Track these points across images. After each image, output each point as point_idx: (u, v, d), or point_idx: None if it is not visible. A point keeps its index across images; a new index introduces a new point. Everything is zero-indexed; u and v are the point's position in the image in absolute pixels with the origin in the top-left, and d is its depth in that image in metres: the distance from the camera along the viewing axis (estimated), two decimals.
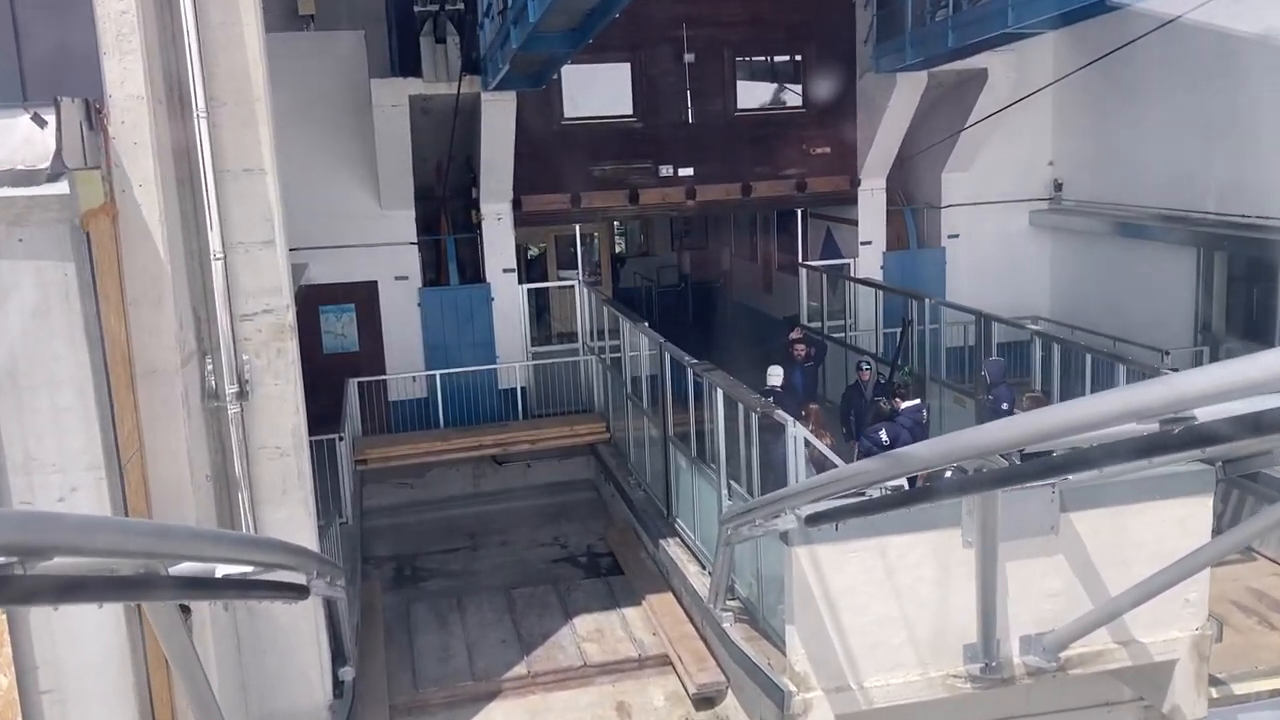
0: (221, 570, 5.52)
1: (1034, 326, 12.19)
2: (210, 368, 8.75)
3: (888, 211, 18.98)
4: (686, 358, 11.73)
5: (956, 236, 19.03)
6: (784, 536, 8.93)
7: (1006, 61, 16.93)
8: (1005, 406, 12.24)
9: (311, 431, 14.61)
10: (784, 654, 9.60)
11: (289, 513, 9.29)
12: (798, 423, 9.13)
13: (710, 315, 23.87)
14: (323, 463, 13.34)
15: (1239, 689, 10.67)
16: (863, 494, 7.61)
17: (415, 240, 17.45)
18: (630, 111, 17.66)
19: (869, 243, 18.80)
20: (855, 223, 18.80)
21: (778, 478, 10.83)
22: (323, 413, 15.96)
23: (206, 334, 8.75)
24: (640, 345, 13.91)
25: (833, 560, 9.10)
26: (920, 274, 18.46)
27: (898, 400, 12.83)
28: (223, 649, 8.70)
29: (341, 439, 14.03)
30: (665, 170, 17.70)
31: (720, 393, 10.52)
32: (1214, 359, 15.11)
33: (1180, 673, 9.89)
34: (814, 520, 7.87)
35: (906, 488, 7.27)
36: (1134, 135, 16.98)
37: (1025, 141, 18.84)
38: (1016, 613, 9.32)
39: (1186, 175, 15.81)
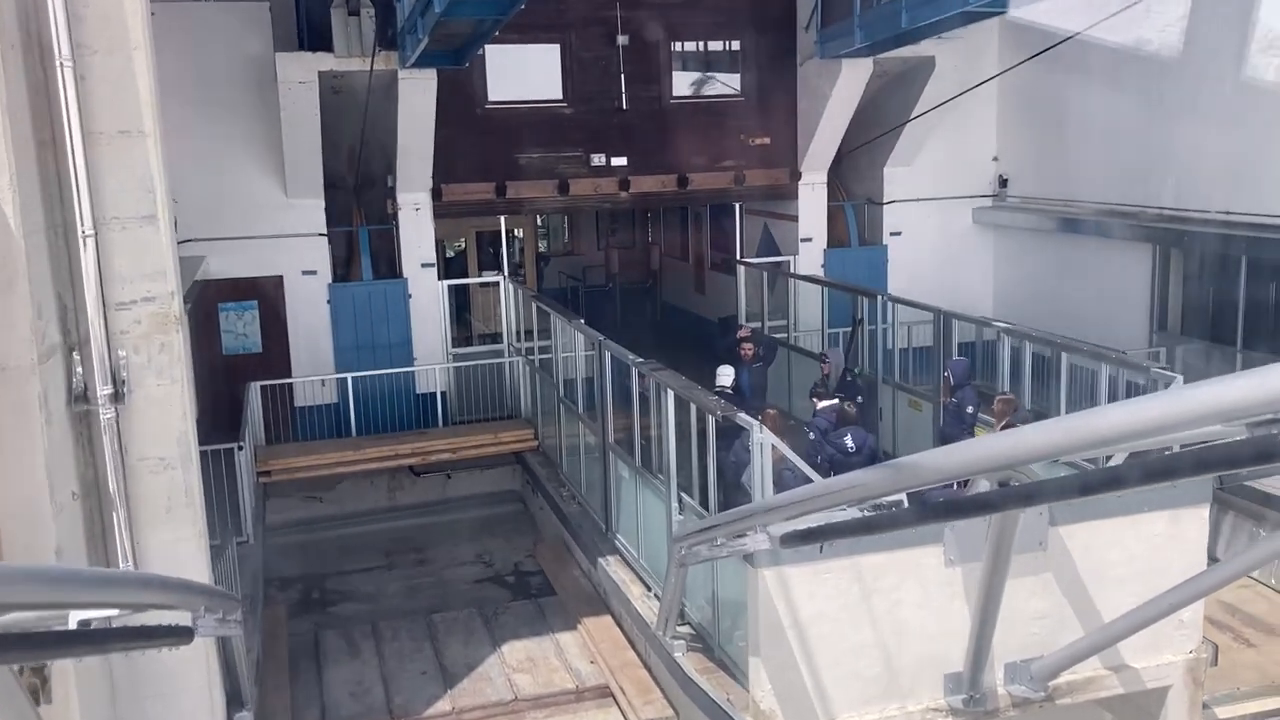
0: (76, 617, 4.29)
1: (1002, 324, 11.37)
2: (78, 365, 7.37)
3: (828, 207, 18.12)
4: (630, 356, 10.63)
5: (899, 234, 18.28)
6: (749, 557, 7.90)
7: (954, 50, 16.21)
8: (971, 410, 11.40)
9: (207, 440, 13.32)
10: (746, 689, 8.58)
11: (175, 534, 7.94)
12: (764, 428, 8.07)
13: (640, 317, 22.81)
14: (220, 475, 12.05)
15: (1222, 713, 9.94)
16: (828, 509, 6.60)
17: (325, 232, 16.10)
18: (560, 96, 16.54)
19: (809, 239, 17.92)
20: (795, 218, 17.92)
21: (729, 489, 9.84)
22: (222, 419, 14.73)
23: (74, 325, 7.37)
24: (575, 344, 12.77)
25: (803, 583, 8.10)
26: (861, 272, 17.65)
27: (816, 400, 11.95)
28: (90, 698, 7.32)
29: (241, 448, 12.65)
30: (597, 160, 16.60)
31: (671, 394, 9.44)
32: (1170, 360, 14.52)
33: (1174, 700, 9.11)
34: (791, 540, 6.82)
35: (905, 503, 6.26)
36: (1083, 130, 16.38)
37: (969, 137, 18.20)
38: (1001, 638, 8.37)
39: (1140, 170, 15.24)
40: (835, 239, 18.28)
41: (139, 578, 5.74)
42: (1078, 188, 16.64)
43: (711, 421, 8.84)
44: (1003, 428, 10.92)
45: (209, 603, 6.84)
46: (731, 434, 9.78)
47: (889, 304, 13.74)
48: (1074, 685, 8.76)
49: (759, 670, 8.20)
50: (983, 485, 6.35)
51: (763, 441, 8.03)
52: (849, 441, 10.24)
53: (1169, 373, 9.08)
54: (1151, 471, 4.42)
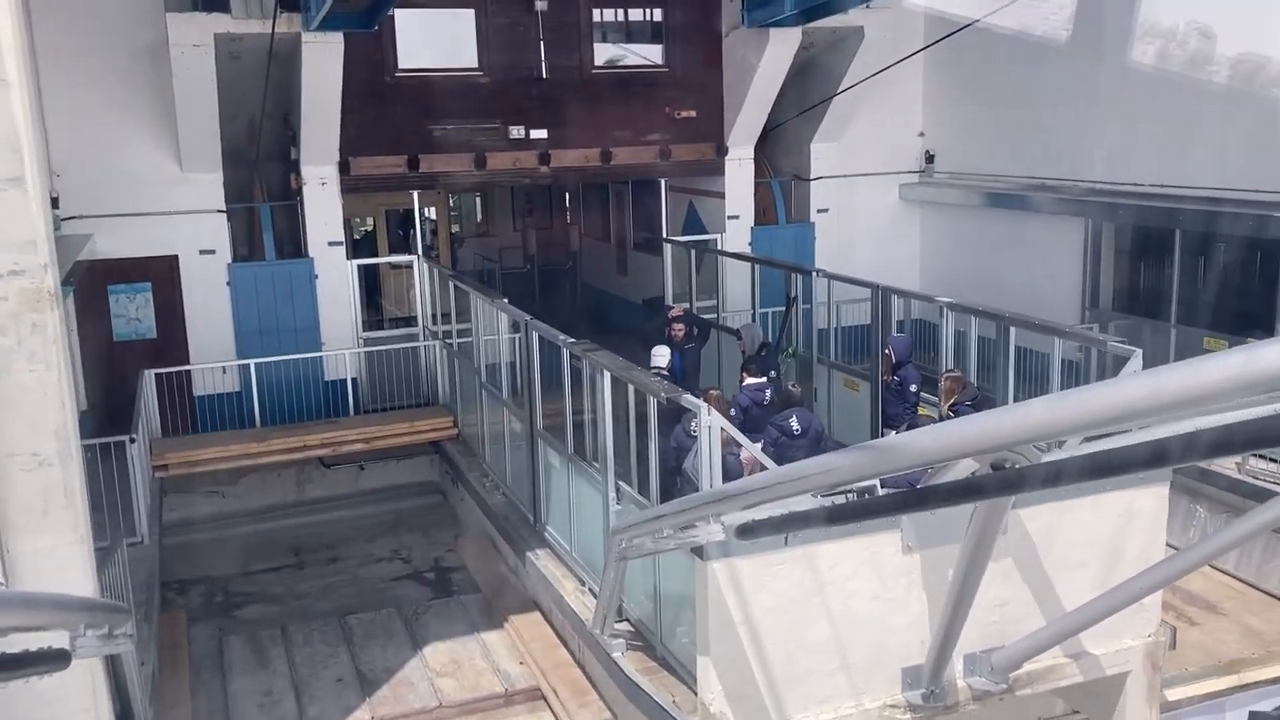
0: None
1: (945, 299, 10.93)
2: None
3: (754, 184, 17.59)
4: (561, 336, 9.93)
5: (826, 211, 17.85)
6: (698, 549, 7.29)
7: (883, 20, 15.78)
8: (914, 389, 10.96)
9: (97, 432, 12.36)
10: (692, 690, 7.99)
11: (52, 540, 7.01)
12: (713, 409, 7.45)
13: (560, 299, 22.06)
14: (109, 471, 11.08)
15: (1173, 695, 9.66)
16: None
17: (224, 208, 15.01)
18: (475, 64, 15.65)
19: (736, 217, 17.35)
20: (721, 195, 17.33)
21: (667, 476, 9.23)
22: (113, 411, 13.70)
23: None
24: (498, 326, 12.02)
25: (755, 576, 7.52)
26: (788, 250, 17.17)
27: (744, 374, 11.45)
28: None
29: (134, 441, 11.60)
30: (516, 132, 15.77)
31: (608, 376, 8.77)
32: None
33: (1132, 686, 8.77)
34: (750, 531, 6.22)
35: (879, 489, 5.70)
36: (1012, 103, 16.12)
37: (895, 112, 17.85)
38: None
39: (1072, 143, 15.01)
40: (762, 217, 17.77)
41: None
42: (1006, 162, 16.38)
43: (653, 404, 8.21)
44: (950, 407, 10.51)
45: (91, 619, 6.00)
46: (669, 418, 9.18)
47: (825, 281, 13.20)
48: (1034, 675, 8.35)
49: (708, 670, 7.61)
50: (962, 468, 5.84)
51: (711, 424, 7.41)
52: (794, 423, 9.69)
53: (1127, 347, 8.69)
54: (1184, 449, 3.88)
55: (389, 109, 15.26)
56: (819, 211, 17.84)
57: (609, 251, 21.36)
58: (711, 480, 7.51)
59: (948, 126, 17.74)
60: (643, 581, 8.82)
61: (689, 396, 7.79)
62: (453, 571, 13.11)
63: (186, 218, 14.73)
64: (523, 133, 15.80)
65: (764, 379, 11.45)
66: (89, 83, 13.89)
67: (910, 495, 4.81)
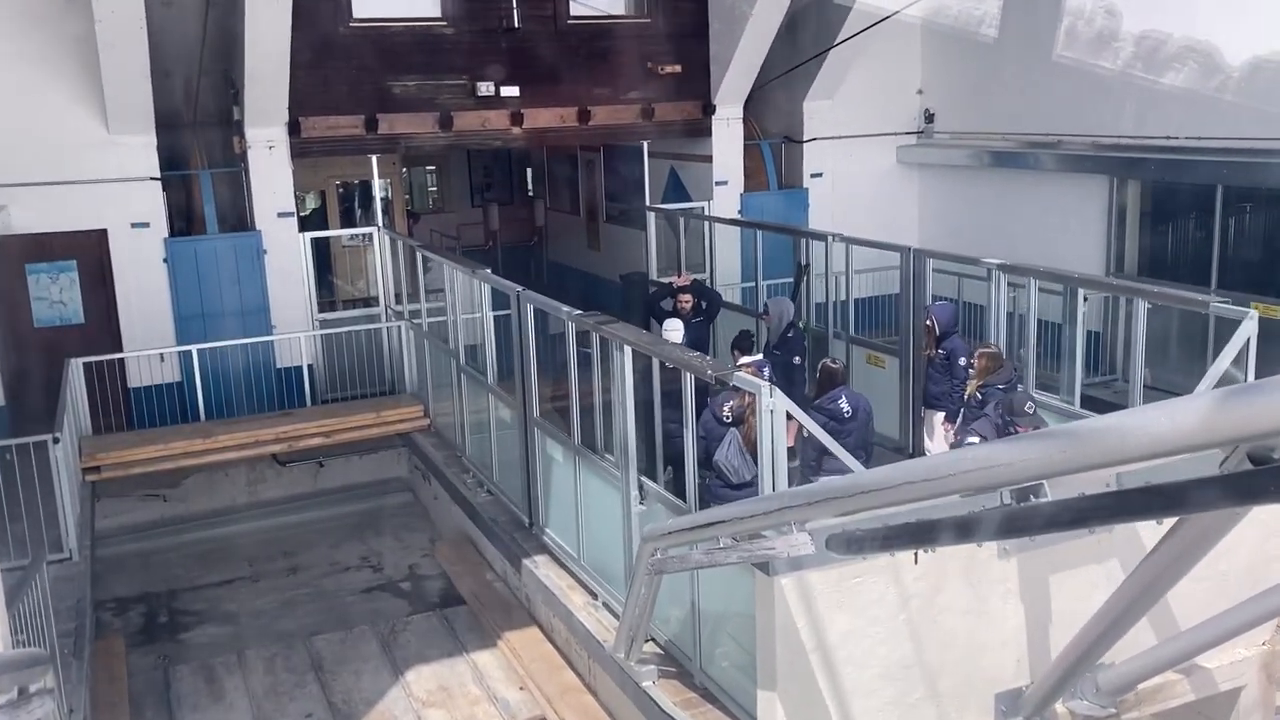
0: None
1: (994, 260, 9.64)
2: None
3: (744, 146, 16.23)
4: (564, 308, 8.50)
5: (820, 175, 16.54)
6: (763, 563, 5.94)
7: None
8: (963, 362, 9.67)
9: (14, 430, 10.78)
10: None
11: None
12: (775, 391, 6.06)
13: (525, 278, 20.47)
14: (28, 475, 9.60)
15: None
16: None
17: (158, 175, 13.33)
18: (438, 13, 14.11)
19: (725, 182, 15.98)
20: (708, 159, 15.95)
21: (681, 468, 7.86)
22: (35, 406, 12.13)
23: None
24: (480, 301, 10.53)
25: (829, 593, 6.20)
26: (781, 218, 15.86)
27: (737, 353, 10.19)
28: None
29: (58, 440, 9.95)
30: (484, 89, 14.23)
31: (628, 352, 7.36)
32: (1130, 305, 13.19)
33: (1245, 703, 7.56)
34: (857, 544, 4.88)
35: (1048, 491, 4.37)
36: (1022, 54, 14.87)
37: (892, 68, 16.56)
38: (1059, 642, 6.69)
39: (1092, 93, 13.81)
40: (752, 182, 16.41)
41: None
42: (1015, 118, 15.15)
43: (691, 382, 6.82)
44: (978, 388, 9.26)
45: None
46: (678, 402, 7.81)
47: (843, 246, 11.82)
48: (1141, 695, 7.10)
49: (773, 705, 6.26)
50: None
51: (774, 407, 6.04)
52: (844, 405, 8.34)
53: (1235, 308, 7.45)
54: None
55: (343, 63, 13.71)
56: (813, 176, 16.53)
57: (579, 225, 19.87)
58: (775, 478, 6.14)
59: (949, 82, 16.50)
60: (675, 595, 7.44)
61: (743, 375, 6.40)
62: (430, 579, 11.63)
63: (116, 186, 13.06)
64: (492, 90, 14.27)
65: (759, 356, 10.16)
66: None
67: (1142, 496, 3.49)
